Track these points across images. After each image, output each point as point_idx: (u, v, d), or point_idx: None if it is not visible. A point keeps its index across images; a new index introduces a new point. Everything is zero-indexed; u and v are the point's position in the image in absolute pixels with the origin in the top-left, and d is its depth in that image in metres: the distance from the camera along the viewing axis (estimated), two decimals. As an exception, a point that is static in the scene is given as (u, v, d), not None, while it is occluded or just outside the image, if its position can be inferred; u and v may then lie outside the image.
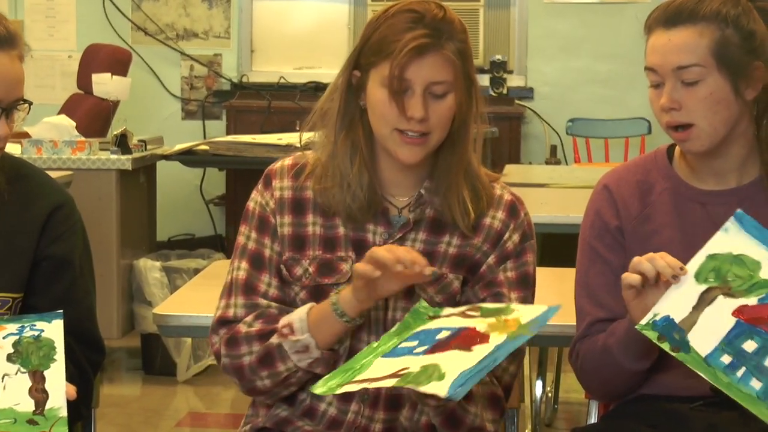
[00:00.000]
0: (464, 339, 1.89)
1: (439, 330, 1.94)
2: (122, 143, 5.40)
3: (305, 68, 7.76)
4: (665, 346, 1.97)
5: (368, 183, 2.17)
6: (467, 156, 2.19)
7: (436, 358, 1.87)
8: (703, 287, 2.00)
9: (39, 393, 1.95)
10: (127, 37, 7.63)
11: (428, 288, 2.14)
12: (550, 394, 4.70)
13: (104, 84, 5.95)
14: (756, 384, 1.91)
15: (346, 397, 2.16)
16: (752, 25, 2.18)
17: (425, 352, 1.90)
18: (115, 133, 5.47)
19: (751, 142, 2.23)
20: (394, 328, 1.99)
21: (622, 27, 7.39)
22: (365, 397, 2.16)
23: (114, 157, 5.37)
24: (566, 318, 2.39)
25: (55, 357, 1.99)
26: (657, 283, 2.03)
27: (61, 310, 2.05)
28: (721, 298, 1.98)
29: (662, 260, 2.02)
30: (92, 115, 6.38)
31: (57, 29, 7.72)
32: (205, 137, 7.32)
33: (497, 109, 6.98)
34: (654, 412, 2.19)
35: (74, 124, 5.59)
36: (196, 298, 2.75)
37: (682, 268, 2.01)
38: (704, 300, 1.99)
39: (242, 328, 2.16)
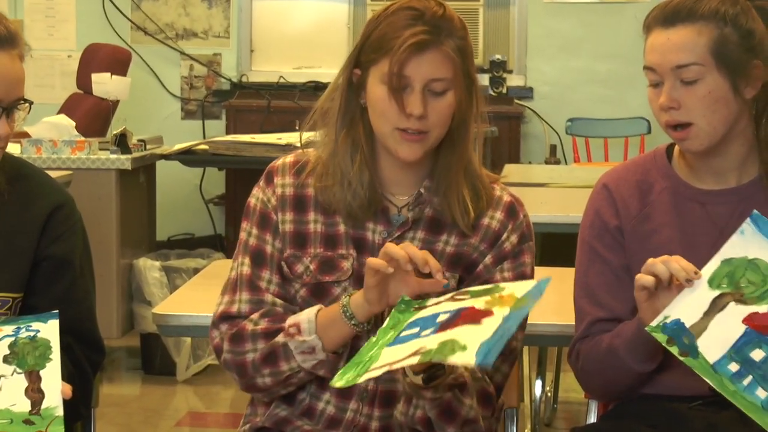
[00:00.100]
0: (469, 316, 1.89)
1: (437, 314, 1.93)
2: (122, 143, 5.41)
3: (305, 68, 7.76)
4: (674, 350, 1.96)
5: (369, 181, 2.17)
6: (467, 155, 2.19)
7: (449, 334, 1.85)
8: (716, 293, 1.99)
9: (35, 393, 1.95)
10: (127, 37, 7.64)
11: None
12: (549, 394, 4.70)
13: (104, 84, 5.95)
14: (761, 393, 1.91)
15: (345, 395, 2.16)
16: (751, 24, 2.18)
17: (434, 332, 1.88)
18: (115, 132, 5.47)
19: (750, 141, 2.23)
20: (386, 324, 1.98)
21: (621, 27, 7.39)
22: (364, 394, 2.16)
23: (113, 156, 5.37)
24: (565, 318, 2.39)
25: (50, 357, 1.99)
26: (669, 286, 2.03)
27: (57, 310, 2.05)
28: (732, 304, 1.98)
29: (677, 263, 2.01)
30: (92, 115, 6.38)
31: (56, 29, 7.72)
32: (204, 137, 7.32)
33: (497, 108, 6.98)
34: (653, 412, 2.19)
35: (74, 123, 5.59)
36: (195, 297, 2.75)
37: (696, 272, 2.01)
38: (716, 306, 1.98)
39: (248, 325, 2.15)
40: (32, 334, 2.01)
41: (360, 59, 2.16)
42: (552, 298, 2.69)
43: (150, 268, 5.29)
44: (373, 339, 1.95)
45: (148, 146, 5.66)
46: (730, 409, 2.00)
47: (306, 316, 2.11)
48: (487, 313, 1.87)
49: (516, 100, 7.52)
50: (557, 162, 7.33)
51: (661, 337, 1.98)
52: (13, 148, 4.94)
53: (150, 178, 5.91)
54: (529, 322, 2.25)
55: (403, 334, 1.92)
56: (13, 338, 2.00)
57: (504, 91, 7.40)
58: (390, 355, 1.89)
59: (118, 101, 6.21)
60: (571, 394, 4.85)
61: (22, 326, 2.02)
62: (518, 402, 2.49)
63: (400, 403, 2.12)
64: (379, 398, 2.16)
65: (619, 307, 2.24)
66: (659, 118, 2.21)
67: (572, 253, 2.35)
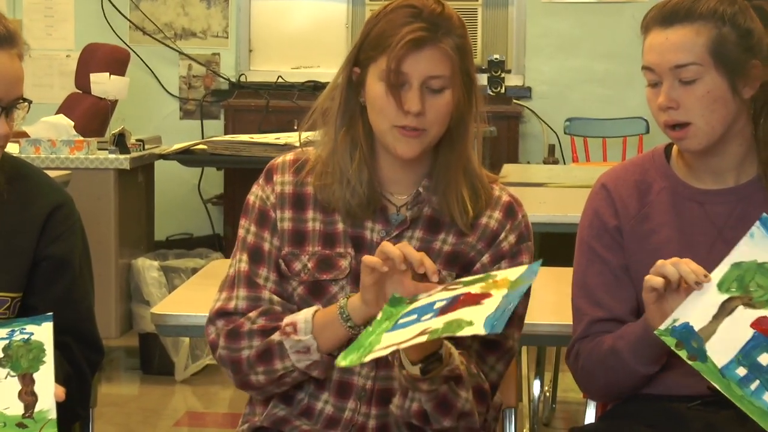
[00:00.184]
0: (467, 300, 1.89)
1: (433, 302, 1.93)
2: (120, 143, 5.41)
3: (303, 67, 7.76)
4: (682, 354, 1.96)
5: (368, 180, 2.17)
6: (466, 154, 2.19)
7: (453, 315, 1.86)
8: (725, 296, 1.98)
9: (28, 396, 1.95)
10: (126, 37, 7.63)
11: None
12: (548, 394, 4.71)
13: (102, 83, 5.96)
14: None
15: (343, 395, 2.16)
16: (749, 23, 2.18)
17: (435, 317, 1.89)
18: (113, 132, 5.47)
19: (748, 141, 2.23)
20: (379, 317, 1.97)
21: (619, 26, 7.39)
22: (362, 393, 2.16)
23: (112, 156, 5.37)
24: (564, 318, 2.39)
25: (44, 359, 1.98)
26: (678, 289, 2.02)
27: (51, 313, 2.05)
28: (741, 308, 1.97)
29: (686, 266, 2.01)
30: (90, 115, 6.38)
31: (55, 28, 7.72)
32: (203, 136, 7.32)
33: (495, 108, 6.99)
34: (652, 412, 2.19)
35: (72, 123, 5.59)
36: (194, 297, 2.75)
37: (706, 276, 2.00)
38: (724, 310, 1.98)
39: (246, 323, 2.16)
40: (26, 336, 2.00)
41: (359, 57, 2.16)
42: (550, 298, 2.70)
43: (148, 267, 5.30)
44: (369, 328, 1.95)
45: (146, 146, 5.66)
46: (729, 409, 2.00)
47: (303, 316, 2.11)
48: (485, 295, 1.88)
49: (514, 100, 7.52)
50: (555, 162, 7.33)
51: (670, 341, 1.97)
52: (12, 148, 4.94)
53: (148, 177, 5.91)
54: (527, 322, 2.26)
55: (402, 321, 1.92)
56: (7, 341, 1.99)
57: (502, 90, 7.40)
58: (392, 338, 1.89)
59: (116, 101, 6.22)
60: (570, 394, 4.85)
61: (16, 329, 2.01)
62: (517, 402, 2.48)
63: (395, 397, 2.12)
64: (376, 397, 2.16)
65: (618, 307, 2.24)
66: (658, 118, 2.21)
67: (570, 253, 2.34)
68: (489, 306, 1.85)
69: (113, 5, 7.64)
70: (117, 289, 5.34)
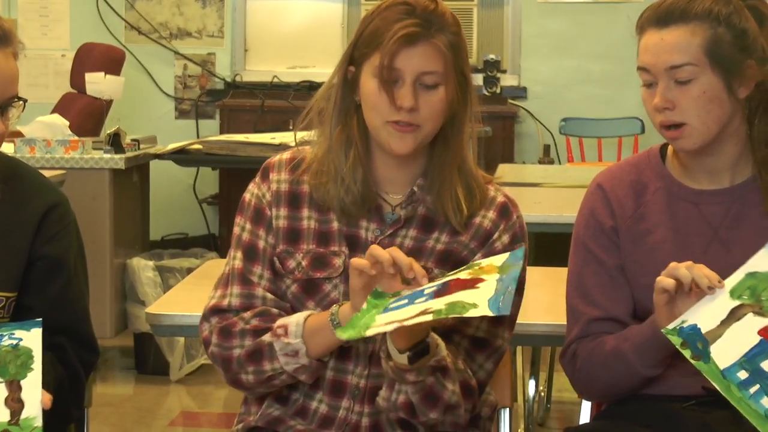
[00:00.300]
0: (459, 285, 1.90)
1: (423, 289, 1.94)
2: (115, 142, 5.40)
3: (299, 67, 7.76)
4: (687, 353, 1.97)
5: (362, 178, 2.17)
6: (461, 154, 2.19)
7: (453, 297, 1.87)
8: (736, 303, 2.00)
9: (15, 403, 1.92)
10: (121, 36, 7.63)
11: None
12: (542, 394, 4.71)
13: (97, 83, 5.94)
14: (766, 402, 1.92)
15: (337, 394, 2.16)
16: (744, 24, 2.18)
17: (430, 299, 1.89)
18: (109, 132, 5.46)
19: (743, 141, 2.24)
20: (365, 307, 1.97)
21: (615, 26, 7.40)
22: (356, 392, 2.16)
23: (107, 156, 5.37)
24: (559, 318, 2.39)
25: (32, 366, 1.96)
26: (689, 292, 2.03)
27: (41, 318, 2.03)
28: (750, 315, 1.98)
29: (700, 270, 2.02)
30: (85, 114, 6.38)
31: (50, 28, 7.71)
32: (198, 136, 7.32)
33: (490, 108, 6.99)
34: (647, 412, 2.19)
35: (67, 123, 5.59)
36: (189, 297, 2.75)
37: (719, 281, 2.01)
38: (734, 315, 1.99)
39: (239, 323, 2.16)
40: (15, 342, 1.98)
41: (354, 55, 2.17)
42: (545, 298, 2.70)
43: (143, 267, 5.29)
44: (358, 315, 1.95)
45: (141, 146, 5.66)
46: (724, 409, 2.01)
47: (295, 319, 2.12)
48: (477, 280, 1.89)
49: (510, 100, 7.52)
50: (551, 162, 7.33)
51: (676, 340, 1.98)
52: (7, 148, 4.93)
53: (143, 177, 5.90)
54: (521, 321, 2.26)
55: (393, 305, 1.93)
56: None
57: (498, 90, 7.41)
58: (390, 317, 1.89)
59: (111, 101, 6.21)
60: (565, 394, 4.85)
61: (4, 334, 2.00)
62: (511, 402, 2.48)
63: (382, 389, 2.12)
64: (369, 395, 2.16)
65: (613, 307, 2.23)
66: (653, 119, 2.21)
67: (566, 253, 2.34)
68: (486, 289, 1.86)
69: (108, 5, 7.64)
70: (112, 288, 5.34)
